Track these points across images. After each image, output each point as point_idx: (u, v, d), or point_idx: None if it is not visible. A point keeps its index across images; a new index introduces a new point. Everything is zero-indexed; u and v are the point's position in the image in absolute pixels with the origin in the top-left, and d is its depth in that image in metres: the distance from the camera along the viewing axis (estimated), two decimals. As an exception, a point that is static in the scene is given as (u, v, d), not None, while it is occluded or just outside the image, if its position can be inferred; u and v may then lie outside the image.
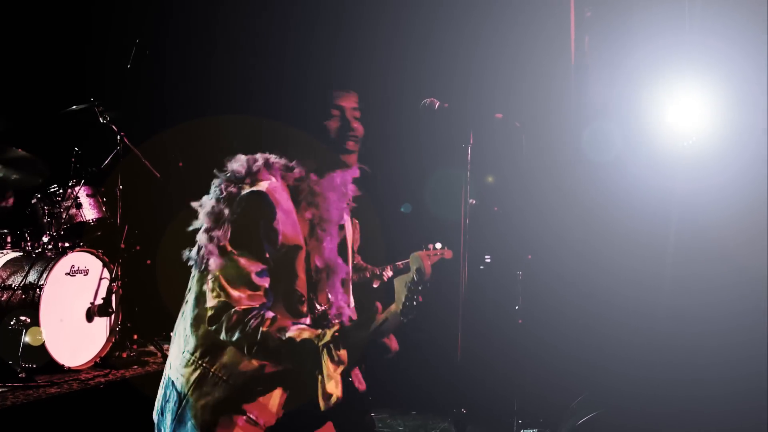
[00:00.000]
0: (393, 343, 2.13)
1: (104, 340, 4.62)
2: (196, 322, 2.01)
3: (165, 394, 2.07)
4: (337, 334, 1.86)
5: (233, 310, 1.92)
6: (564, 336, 4.49)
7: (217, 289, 1.94)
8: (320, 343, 1.86)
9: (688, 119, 3.93)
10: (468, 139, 1.95)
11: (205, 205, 2.02)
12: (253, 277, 1.94)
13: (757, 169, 3.55)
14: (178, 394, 2.01)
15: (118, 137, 4.90)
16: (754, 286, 3.46)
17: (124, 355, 4.74)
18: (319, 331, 1.90)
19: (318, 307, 2.06)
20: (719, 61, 3.75)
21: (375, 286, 4.23)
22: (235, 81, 5.59)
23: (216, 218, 1.98)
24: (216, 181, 2.04)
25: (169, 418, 2.03)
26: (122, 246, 4.84)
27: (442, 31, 4.87)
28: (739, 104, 3.69)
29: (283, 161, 2.06)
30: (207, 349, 2.00)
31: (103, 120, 4.86)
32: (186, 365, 2.02)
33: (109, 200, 4.93)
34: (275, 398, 2.01)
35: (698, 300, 3.62)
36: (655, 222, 3.96)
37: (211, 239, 1.96)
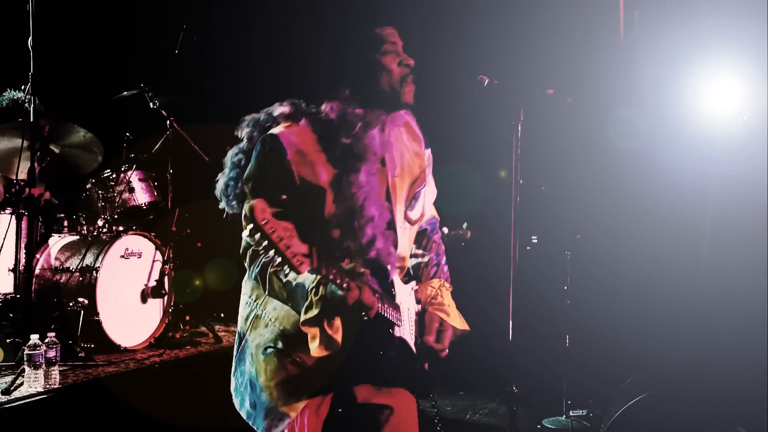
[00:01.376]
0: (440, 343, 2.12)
1: (158, 321, 4.74)
2: None
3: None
4: (322, 281, 1.81)
5: (252, 248, 1.97)
6: (612, 317, 4.44)
7: (244, 229, 1.97)
8: (308, 288, 1.85)
9: (738, 99, 3.82)
10: (518, 116, 1.93)
11: (232, 150, 2.09)
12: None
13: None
14: (239, 334, 2.14)
15: (168, 122, 4.99)
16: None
17: (177, 335, 4.85)
18: (312, 276, 1.84)
19: (352, 250, 1.97)
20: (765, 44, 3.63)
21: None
22: (284, 60, 5.60)
23: (239, 161, 2.06)
24: (244, 127, 2.08)
25: (235, 355, 2.15)
26: (173, 229, 4.93)
27: (493, 7, 4.79)
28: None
29: (313, 105, 2.04)
30: (259, 293, 2.09)
31: (153, 105, 4.94)
32: (244, 307, 2.14)
33: (160, 184, 5.03)
34: (312, 346, 1.96)
35: (742, 283, 3.54)
36: (699, 204, 3.87)
37: (232, 180, 2.05)
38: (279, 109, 2.06)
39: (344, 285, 1.75)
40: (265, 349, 2.06)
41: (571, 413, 4.32)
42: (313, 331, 1.84)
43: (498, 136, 2.13)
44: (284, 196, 1.96)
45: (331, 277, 1.72)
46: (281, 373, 2.04)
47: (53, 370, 3.64)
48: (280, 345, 2.04)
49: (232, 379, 2.15)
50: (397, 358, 2.05)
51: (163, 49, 5.35)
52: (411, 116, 2.20)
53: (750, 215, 3.62)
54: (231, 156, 2.10)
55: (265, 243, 1.62)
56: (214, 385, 3.82)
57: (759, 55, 3.69)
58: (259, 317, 2.09)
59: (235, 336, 2.20)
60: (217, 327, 5.09)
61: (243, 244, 2.03)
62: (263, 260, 1.95)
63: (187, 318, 5.09)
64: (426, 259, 2.31)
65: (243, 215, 2.03)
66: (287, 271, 1.76)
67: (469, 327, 2.21)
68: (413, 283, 2.22)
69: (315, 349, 1.84)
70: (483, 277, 4.52)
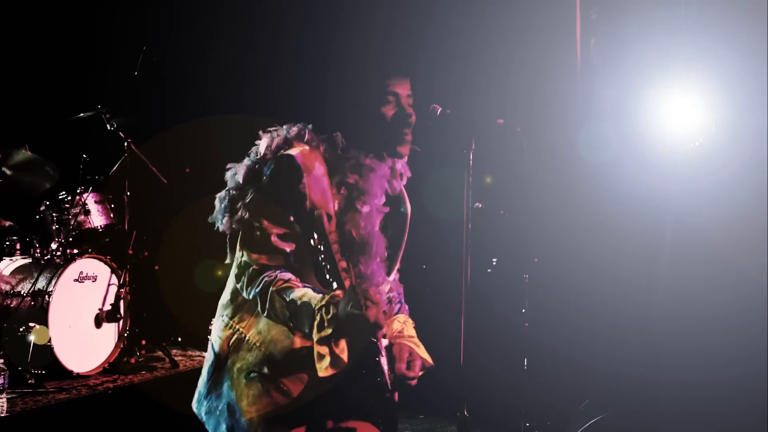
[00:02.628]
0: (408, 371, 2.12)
1: (112, 345, 4.65)
2: (236, 288, 2.07)
3: (207, 354, 2.15)
4: (331, 301, 1.84)
5: (252, 267, 1.97)
6: (570, 339, 4.48)
7: (241, 248, 2.01)
8: (315, 307, 1.86)
9: (693, 120, 3.92)
10: (470, 145, 1.97)
11: (238, 166, 2.07)
12: (273, 239, 1.97)
13: (757, 170, 3.55)
14: (216, 355, 2.09)
15: (126, 144, 4.93)
16: (753, 287, 3.45)
17: (132, 360, 4.76)
18: (320, 296, 1.89)
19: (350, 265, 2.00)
20: (720, 63, 3.75)
21: None
22: (241, 84, 5.61)
23: (249, 175, 2.04)
24: (257, 143, 2.09)
25: (205, 376, 2.10)
26: (130, 252, 4.86)
27: (445, 35, 4.87)
28: (739, 106, 3.69)
29: (324, 134, 2.07)
30: (243, 315, 2.06)
31: (111, 127, 4.89)
32: (224, 329, 2.09)
33: (117, 206, 4.97)
34: (307, 373, 2.00)
35: (700, 302, 3.61)
36: (658, 224, 3.96)
37: (237, 199, 2.03)
38: (292, 131, 2.09)
39: (364, 304, 1.78)
40: (249, 373, 2.01)
41: (529, 436, 4.34)
42: (324, 350, 1.84)
43: (453, 164, 2.16)
44: (292, 218, 1.98)
45: (358, 294, 1.76)
46: (264, 399, 2.00)
47: (1, 398, 3.55)
48: (265, 370, 2.01)
49: (204, 402, 2.09)
50: (377, 388, 2.05)
51: (122, 70, 5.31)
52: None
53: (708, 233, 3.71)
54: (237, 172, 2.07)
55: (322, 255, 1.66)
56: (169, 411, 3.77)
57: (713, 77, 3.80)
58: (242, 340, 2.05)
59: (190, 360, 2.17)
60: (173, 351, 5.01)
61: (240, 263, 2.01)
62: (265, 279, 1.95)
63: (143, 342, 5.01)
64: (391, 296, 2.33)
65: (243, 237, 2.01)
66: (291, 291, 1.86)
67: (432, 348, 2.25)
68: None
69: (324, 368, 1.84)
70: (445, 299, 4.54)
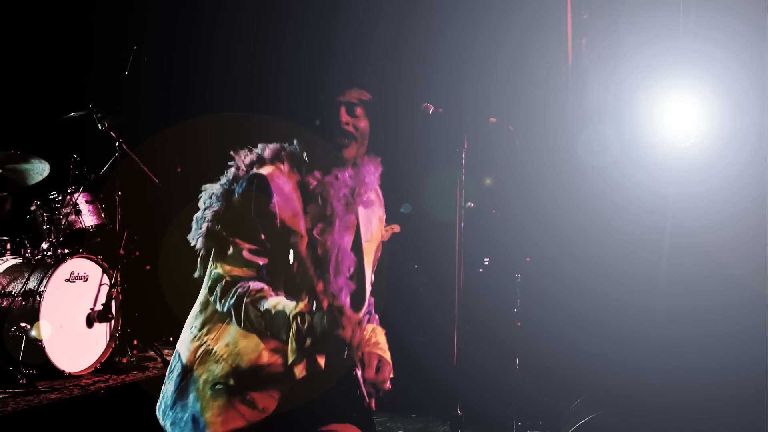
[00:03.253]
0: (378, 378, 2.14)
1: (104, 345, 4.63)
2: (206, 301, 2.11)
3: (171, 364, 2.16)
4: (305, 308, 1.88)
5: (225, 280, 2.02)
6: (563, 338, 4.49)
7: (214, 261, 2.06)
8: (290, 315, 1.90)
9: (684, 122, 3.94)
10: (462, 144, 1.97)
11: (214, 187, 2.12)
12: (245, 253, 2.02)
13: (753, 173, 3.57)
14: (183, 366, 2.10)
15: (117, 143, 4.92)
16: (752, 290, 3.47)
17: (124, 360, 4.75)
18: (293, 303, 1.93)
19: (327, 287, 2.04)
20: (713, 64, 3.76)
21: None
22: (234, 85, 5.61)
23: (224, 195, 2.08)
24: (230, 165, 2.13)
25: (171, 387, 2.11)
26: (121, 252, 4.85)
27: (437, 34, 4.88)
28: (734, 108, 3.70)
29: (294, 152, 2.12)
30: (211, 327, 2.09)
31: (102, 126, 4.88)
32: (192, 340, 2.12)
33: (108, 206, 4.95)
34: (274, 385, 2.04)
35: (696, 303, 3.63)
36: (651, 225, 3.97)
37: (213, 212, 2.06)
38: (268, 150, 2.13)
39: (340, 323, 1.83)
40: (214, 385, 2.03)
41: (521, 435, 4.35)
42: (301, 360, 1.89)
43: (446, 163, 2.16)
44: (263, 236, 2.02)
45: (334, 313, 1.80)
46: (229, 412, 2.01)
47: (-8, 399, 3.53)
48: (231, 382, 2.03)
49: (169, 412, 2.10)
50: (355, 399, 2.07)
51: (114, 70, 5.29)
52: (378, 180, 2.26)
53: (704, 234, 3.72)
54: (211, 192, 2.11)
55: (301, 270, 1.70)
56: (161, 412, 3.75)
57: (708, 77, 3.82)
58: (209, 352, 2.07)
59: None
60: (165, 351, 5.00)
61: (212, 276, 2.05)
62: (238, 291, 1.98)
63: (135, 342, 4.99)
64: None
65: (216, 251, 2.06)
66: (265, 300, 1.91)
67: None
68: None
69: (300, 370, 1.90)
70: (438, 298, 4.55)
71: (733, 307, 3.49)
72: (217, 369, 2.04)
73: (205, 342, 2.08)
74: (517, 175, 4.29)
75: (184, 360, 2.10)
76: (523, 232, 4.51)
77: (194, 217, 2.12)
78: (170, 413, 2.10)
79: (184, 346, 2.13)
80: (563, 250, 4.51)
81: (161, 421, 2.14)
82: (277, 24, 5.48)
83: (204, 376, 2.05)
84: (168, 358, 4.80)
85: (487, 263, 4.62)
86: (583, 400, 3.82)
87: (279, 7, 5.49)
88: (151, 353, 4.94)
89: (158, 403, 2.16)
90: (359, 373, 2.08)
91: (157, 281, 5.41)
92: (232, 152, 2.14)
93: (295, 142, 2.14)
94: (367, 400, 2.09)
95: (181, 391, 2.08)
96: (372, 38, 4.88)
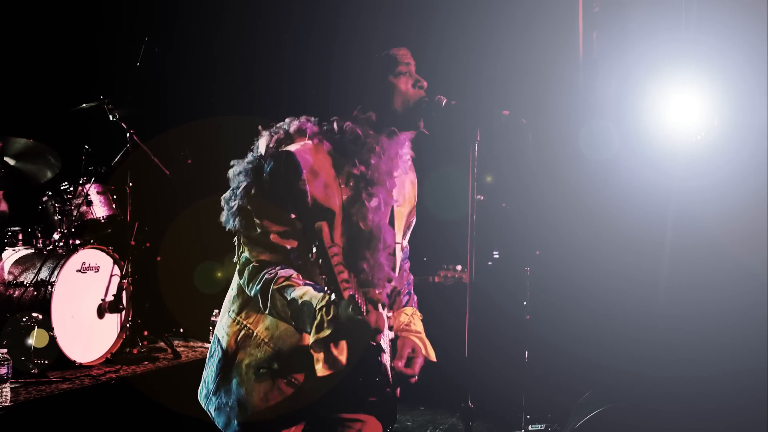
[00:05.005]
0: (410, 369, 2.10)
1: (115, 336, 4.66)
2: (241, 284, 2.07)
3: (211, 349, 2.13)
4: (332, 301, 1.81)
5: (252, 264, 1.97)
6: (571, 332, 4.49)
7: (243, 245, 2.01)
8: (316, 307, 1.85)
9: (695, 116, 3.92)
10: (475, 136, 1.97)
11: (242, 163, 2.04)
12: (273, 237, 1.96)
13: (757, 166, 3.55)
14: (223, 351, 2.07)
15: (128, 135, 4.93)
16: (755, 283, 3.46)
17: (135, 351, 4.77)
18: (321, 295, 1.87)
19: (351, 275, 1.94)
20: (722, 57, 3.74)
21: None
22: (246, 77, 5.61)
23: (250, 172, 2.00)
24: (257, 140, 2.06)
25: (212, 372, 2.08)
26: (132, 243, 4.87)
27: (450, 28, 4.87)
28: (740, 102, 3.68)
29: (327, 123, 2.04)
30: (250, 311, 2.05)
31: (113, 118, 4.89)
32: (231, 325, 2.08)
33: (119, 197, 4.97)
34: (318, 367, 1.97)
35: (701, 297, 3.62)
36: (660, 219, 3.96)
37: (238, 198, 2.00)
38: (294, 125, 2.06)
39: (365, 309, 1.77)
40: (258, 369, 2.01)
41: (530, 428, 4.35)
42: (319, 355, 1.84)
43: (458, 156, 2.15)
44: (293, 215, 1.95)
45: (359, 300, 1.74)
46: (275, 394, 2.00)
47: (4, 388, 3.56)
48: (275, 366, 2.00)
49: (213, 398, 2.07)
50: (379, 385, 2.04)
51: (125, 61, 5.31)
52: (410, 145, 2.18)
53: (709, 228, 3.71)
54: (238, 170, 2.04)
55: (320, 263, 1.65)
56: (172, 402, 3.78)
57: (714, 72, 3.80)
58: (249, 336, 2.04)
59: (192, 351, 2.17)
60: (175, 342, 5.03)
61: (241, 259, 2.01)
62: (266, 276, 1.94)
63: (145, 333, 5.02)
64: (398, 287, 2.30)
65: (244, 234, 2.00)
66: (292, 289, 1.86)
67: (434, 340, 2.24)
68: (386, 311, 2.21)
69: (320, 369, 1.84)
70: (445, 292, 4.55)
71: (741, 300, 3.48)
72: (259, 353, 2.01)
73: (245, 326, 2.05)
74: (528, 168, 4.28)
75: (224, 344, 2.07)
76: (532, 225, 4.51)
77: (222, 198, 2.05)
78: (214, 399, 2.07)
79: (224, 330, 2.09)
80: (573, 243, 4.50)
81: (205, 407, 2.11)
82: (289, 16, 5.48)
83: (246, 361, 2.02)
84: (178, 350, 4.84)
85: (496, 256, 4.62)
86: (591, 394, 3.82)
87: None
88: (162, 344, 4.96)
89: (200, 389, 2.13)
90: (386, 357, 2.04)
91: (167, 272, 5.44)
92: (260, 127, 2.07)
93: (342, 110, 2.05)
94: (390, 387, 2.06)
95: (223, 376, 2.05)
96: (386, 32, 4.87)
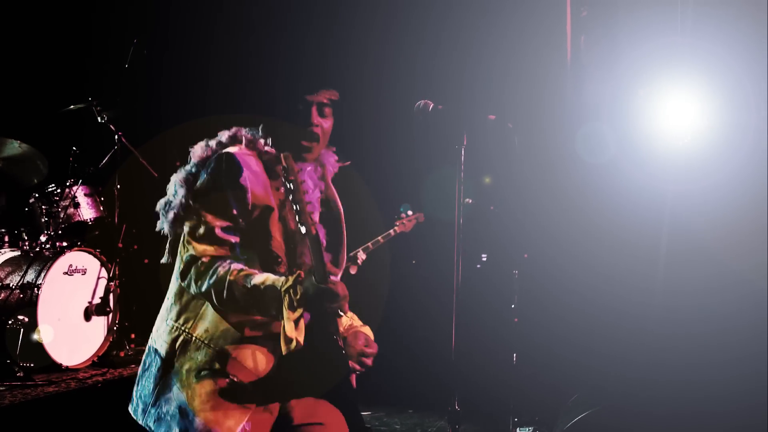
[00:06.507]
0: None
1: (102, 339, 4.64)
2: (179, 291, 2.10)
3: (145, 362, 2.13)
4: (299, 278, 1.89)
5: (200, 261, 2.00)
6: (559, 335, 4.51)
7: (186, 245, 2.05)
8: (282, 289, 1.90)
9: (683, 119, 3.94)
10: (462, 141, 1.98)
11: (178, 176, 2.12)
12: (218, 231, 2.02)
13: (751, 169, 3.57)
14: (162, 359, 2.08)
15: (116, 137, 4.91)
16: (750, 287, 3.48)
17: (122, 354, 4.76)
18: (283, 278, 1.93)
19: (295, 269, 2.04)
20: (712, 61, 3.77)
21: (352, 272, 4.25)
22: (233, 80, 5.60)
23: (189, 180, 2.09)
24: (192, 151, 2.15)
25: (150, 383, 2.08)
26: (120, 245, 4.85)
27: (436, 31, 4.88)
28: (732, 105, 3.71)
29: (259, 136, 2.15)
30: (188, 316, 2.08)
31: (101, 119, 4.87)
32: (169, 332, 2.10)
33: (107, 200, 4.95)
34: (259, 361, 2.05)
35: (694, 301, 3.64)
36: (649, 223, 3.98)
37: (181, 198, 2.07)
38: (228, 134, 2.16)
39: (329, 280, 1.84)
40: (199, 372, 2.02)
41: (518, 430, 4.36)
42: (293, 332, 1.87)
43: (445, 160, 2.17)
44: (235, 212, 2.02)
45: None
46: (217, 395, 2.01)
47: (-10, 391, 3.53)
48: (216, 366, 2.02)
49: (152, 410, 2.05)
50: (337, 365, 2.06)
51: (114, 63, 5.29)
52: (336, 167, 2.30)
53: (703, 231, 3.73)
54: (178, 178, 2.12)
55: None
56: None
57: (709, 75, 3.82)
58: (189, 341, 2.05)
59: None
60: (163, 345, 5.01)
61: (185, 258, 2.03)
62: (218, 270, 1.97)
63: (132, 336, 5.00)
64: None
65: (188, 232, 2.05)
66: (251, 277, 1.91)
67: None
68: None
69: (292, 347, 1.87)
70: (434, 294, 4.56)
71: (731, 304, 3.51)
72: (200, 355, 2.03)
73: (184, 331, 2.06)
74: (516, 171, 4.30)
75: (163, 353, 2.08)
76: (521, 228, 4.52)
77: (158, 204, 2.13)
78: (153, 411, 2.05)
79: (161, 339, 2.10)
80: (561, 246, 4.52)
81: (142, 422, 2.08)
82: (277, 19, 5.48)
83: (186, 366, 2.03)
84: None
85: (484, 259, 4.64)
86: (579, 396, 3.83)
87: (279, 5, 5.49)
88: (149, 347, 4.94)
89: (133, 406, 2.11)
90: (340, 340, 2.09)
91: (155, 275, 5.42)
92: (190, 149, 2.16)
93: (259, 128, 2.16)
94: (346, 360, 2.10)
95: (162, 386, 2.05)
96: (371, 35, 4.89)
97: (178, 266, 2.09)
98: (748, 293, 3.47)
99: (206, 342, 2.04)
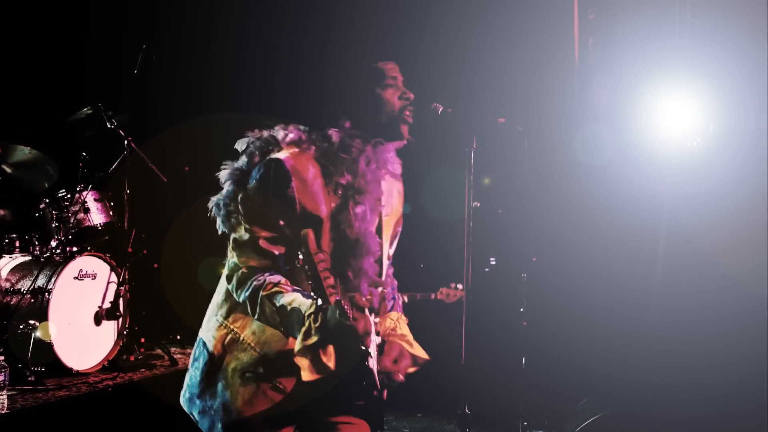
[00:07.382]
0: (397, 375, 2.12)
1: (112, 343, 4.66)
2: (229, 290, 2.08)
3: (195, 353, 2.14)
4: (320, 307, 1.83)
5: (241, 270, 1.99)
6: (569, 338, 4.50)
7: (232, 250, 2.03)
8: (305, 313, 1.87)
9: (690, 121, 3.94)
10: (471, 143, 1.98)
11: (230, 170, 2.07)
12: (262, 242, 1.99)
13: (751, 172, 3.57)
14: (210, 354, 2.08)
15: (125, 142, 4.94)
16: (750, 290, 3.47)
17: (132, 358, 4.77)
18: (309, 301, 1.89)
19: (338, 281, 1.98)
20: (717, 63, 3.76)
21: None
22: (242, 83, 5.62)
23: (237, 176, 2.04)
24: (247, 145, 2.08)
25: (197, 375, 2.09)
26: (129, 250, 4.87)
27: (446, 35, 4.89)
28: (734, 108, 3.70)
29: (316, 132, 2.07)
30: (238, 316, 2.07)
31: (111, 125, 4.90)
32: (218, 328, 2.10)
33: (117, 204, 4.97)
34: (303, 373, 1.98)
35: (697, 304, 3.63)
36: (657, 226, 3.97)
37: (229, 202, 2.03)
38: (283, 133, 2.09)
39: (352, 315, 1.81)
40: (244, 373, 2.02)
41: (527, 434, 4.35)
42: (304, 362, 1.84)
43: (454, 163, 2.17)
44: (282, 222, 1.98)
45: (345, 306, 1.77)
46: (260, 399, 2.01)
47: (1, 395, 3.56)
48: (261, 370, 2.02)
49: (197, 401, 2.08)
50: (366, 388, 2.05)
51: (123, 68, 5.32)
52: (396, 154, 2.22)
53: (704, 235, 3.72)
54: (228, 173, 2.07)
55: (306, 269, 1.68)
56: (169, 409, 3.77)
57: (709, 78, 3.82)
58: (236, 341, 2.05)
59: (189, 358, 2.17)
60: (172, 349, 5.03)
61: (230, 265, 2.03)
62: (254, 283, 1.96)
63: (142, 340, 5.02)
64: (384, 293, 2.32)
65: (233, 239, 2.03)
66: (281, 296, 1.88)
67: (430, 347, 2.25)
68: (373, 316, 2.23)
69: (306, 374, 1.85)
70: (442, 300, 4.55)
71: (737, 306, 3.49)
72: (246, 357, 2.03)
73: (232, 330, 2.06)
74: (525, 174, 4.30)
75: (210, 348, 2.08)
76: (529, 231, 4.51)
77: (212, 201, 2.07)
78: (198, 402, 2.08)
79: (210, 334, 2.10)
80: (570, 250, 4.51)
81: (187, 410, 2.12)
82: (284, 21, 5.50)
83: (232, 365, 2.04)
84: (175, 357, 4.84)
85: (493, 263, 4.63)
86: (588, 401, 3.82)
87: (290, 2, 5.50)
88: (159, 351, 4.96)
89: (182, 392, 2.14)
90: (372, 362, 2.06)
91: (164, 279, 5.44)
92: (248, 133, 2.09)
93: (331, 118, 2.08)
94: (377, 391, 2.07)
95: (209, 380, 2.06)
96: (381, 39, 4.89)
97: (227, 268, 2.07)
98: (754, 295, 3.46)
99: (252, 345, 2.03)
